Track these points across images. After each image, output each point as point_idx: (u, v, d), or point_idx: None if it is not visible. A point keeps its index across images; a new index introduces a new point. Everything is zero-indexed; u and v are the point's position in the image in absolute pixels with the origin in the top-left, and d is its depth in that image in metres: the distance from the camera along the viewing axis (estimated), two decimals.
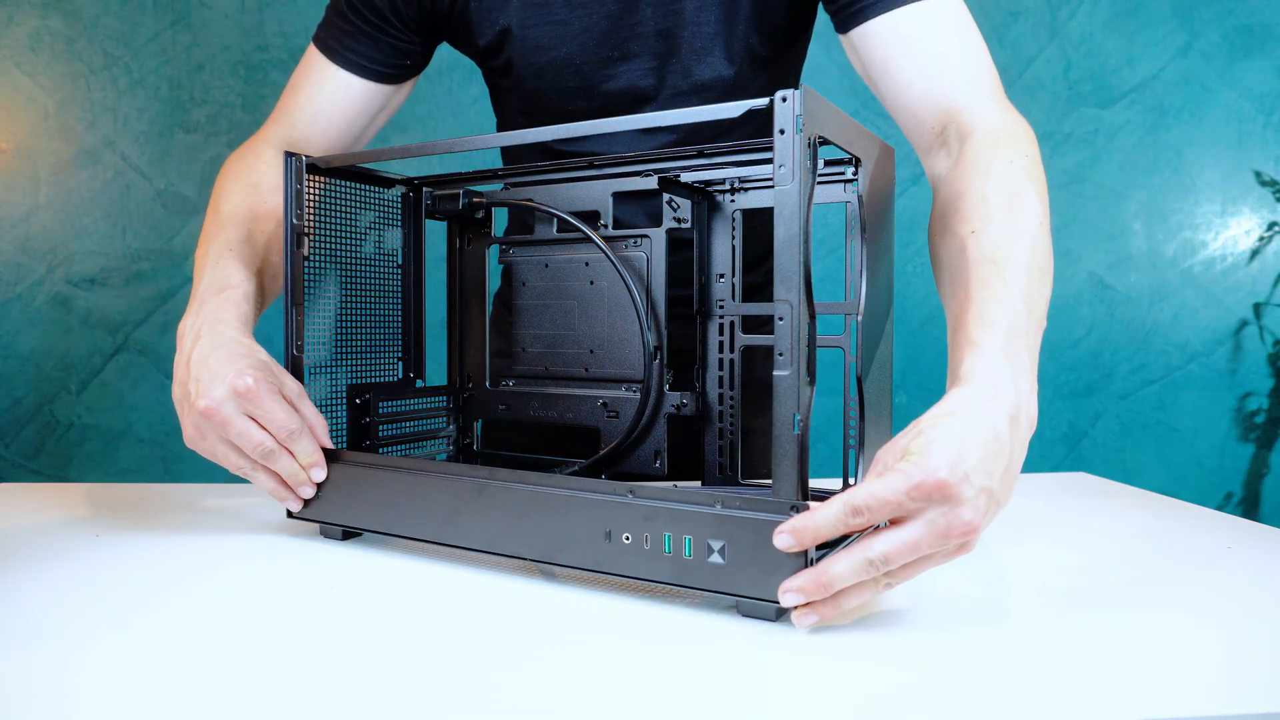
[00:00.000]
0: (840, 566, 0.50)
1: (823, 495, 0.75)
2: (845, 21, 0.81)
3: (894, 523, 0.51)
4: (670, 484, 0.58)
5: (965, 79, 0.76)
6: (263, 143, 0.92)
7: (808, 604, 0.52)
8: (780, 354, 0.53)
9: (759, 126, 0.91)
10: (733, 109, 0.57)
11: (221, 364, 0.70)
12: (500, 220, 1.04)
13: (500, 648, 0.52)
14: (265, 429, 0.70)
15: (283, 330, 0.77)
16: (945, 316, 0.68)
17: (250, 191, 0.87)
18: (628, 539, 0.58)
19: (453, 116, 2.00)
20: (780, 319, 0.53)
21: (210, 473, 2.03)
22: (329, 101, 0.92)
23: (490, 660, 0.50)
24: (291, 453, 0.71)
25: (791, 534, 0.51)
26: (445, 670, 0.49)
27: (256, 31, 2.00)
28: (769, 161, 0.73)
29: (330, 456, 0.73)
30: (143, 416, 2.00)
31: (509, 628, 0.55)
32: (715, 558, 0.55)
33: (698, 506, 0.55)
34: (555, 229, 0.81)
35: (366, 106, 0.93)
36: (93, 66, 1.96)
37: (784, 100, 0.53)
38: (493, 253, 0.88)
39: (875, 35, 0.79)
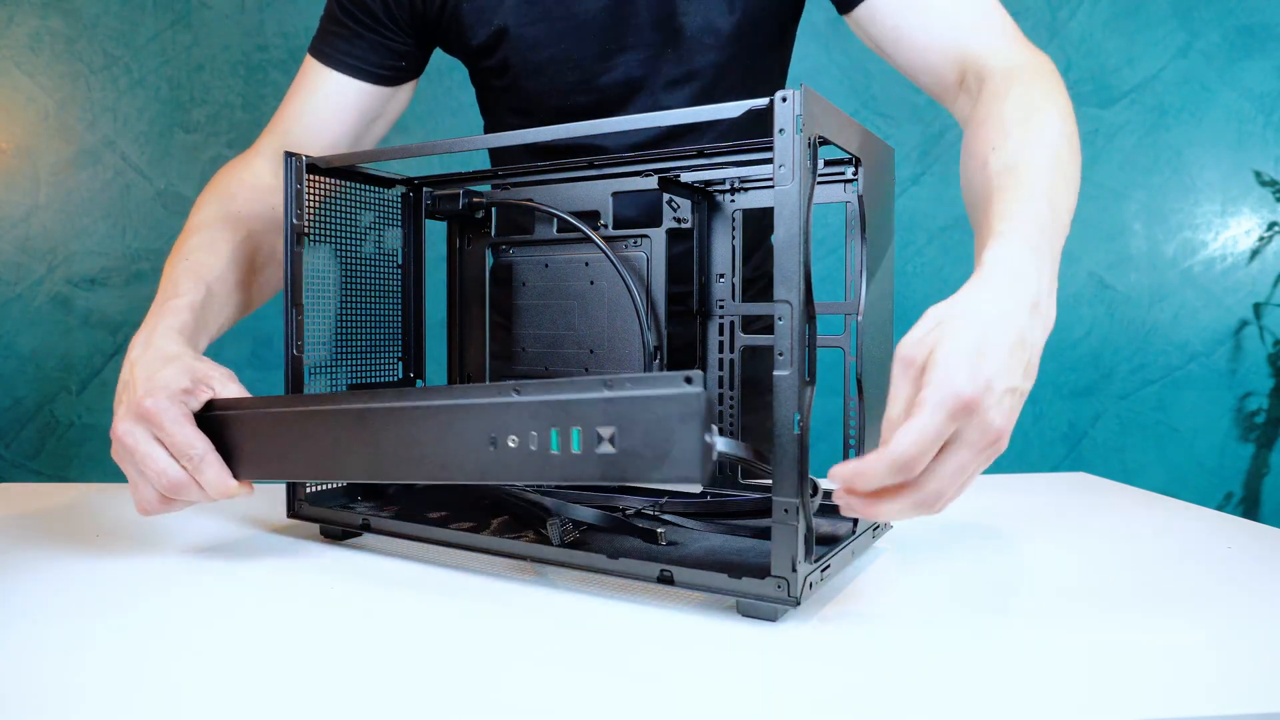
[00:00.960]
0: (894, 508, 0.51)
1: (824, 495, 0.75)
2: (847, 2, 0.84)
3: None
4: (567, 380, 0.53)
5: (978, 27, 0.78)
6: (253, 154, 0.91)
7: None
8: (780, 354, 0.53)
9: (758, 126, 0.91)
10: (732, 109, 0.57)
11: (139, 380, 0.67)
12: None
13: (498, 649, 0.52)
14: (171, 453, 0.66)
15: (283, 330, 0.77)
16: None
17: (224, 200, 0.86)
18: (514, 442, 0.53)
19: (452, 116, 2.00)
20: (780, 319, 0.53)
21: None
22: (323, 106, 0.92)
23: (487, 661, 0.50)
24: (199, 482, 0.66)
25: (845, 480, 0.50)
26: (443, 671, 0.49)
27: (256, 31, 2.00)
28: (769, 161, 0.73)
29: (211, 407, 0.68)
30: None
31: (507, 629, 0.55)
32: (605, 447, 0.50)
33: (585, 393, 0.51)
34: (555, 229, 0.81)
35: (362, 110, 0.93)
36: (93, 66, 1.96)
37: (784, 100, 0.53)
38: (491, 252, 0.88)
39: (881, 6, 0.82)
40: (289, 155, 0.76)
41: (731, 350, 0.77)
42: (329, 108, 0.92)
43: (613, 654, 0.51)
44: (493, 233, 0.87)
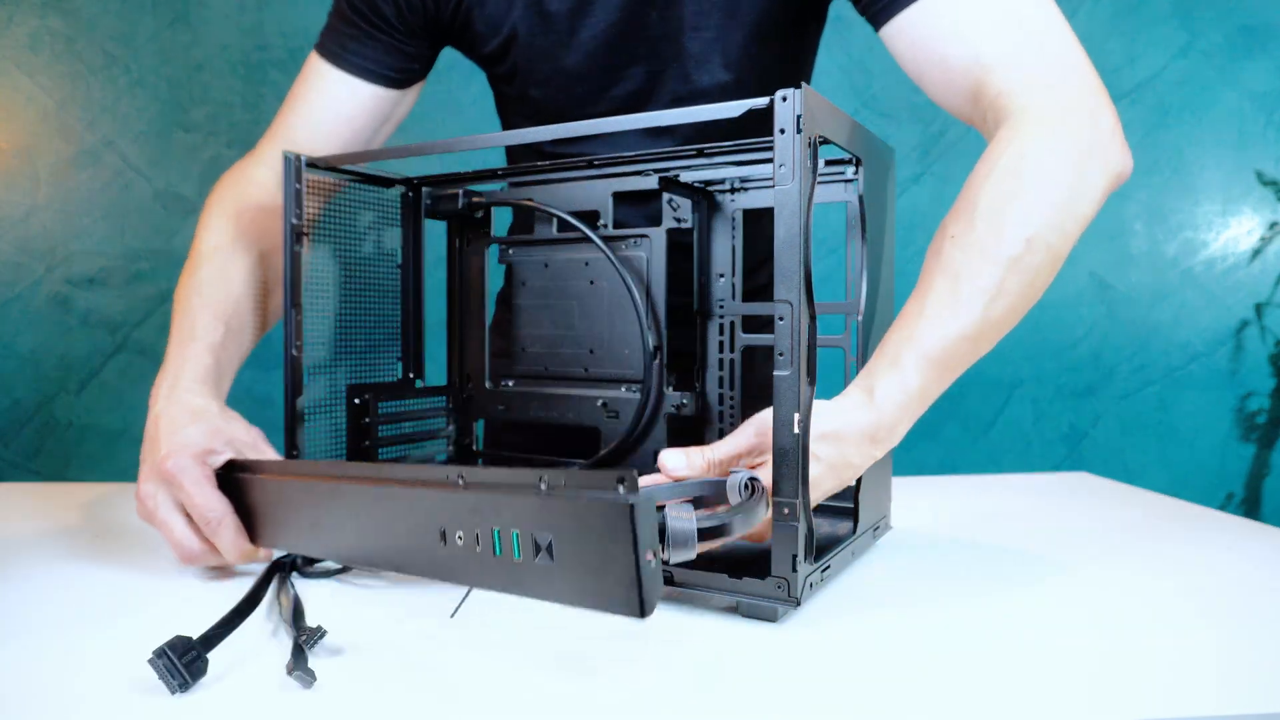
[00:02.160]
0: None
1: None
2: (876, 17, 0.77)
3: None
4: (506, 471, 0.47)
5: (1007, 60, 0.68)
6: (255, 164, 0.89)
7: None
8: (780, 354, 0.53)
9: (760, 126, 0.91)
10: (732, 109, 0.57)
11: (163, 437, 0.67)
12: (504, 219, 1.03)
13: (496, 649, 0.52)
14: (190, 517, 0.65)
15: (282, 330, 0.77)
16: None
17: (231, 220, 0.85)
18: (460, 539, 0.47)
19: (453, 117, 2.00)
20: (780, 319, 0.53)
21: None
22: (333, 109, 0.90)
23: (485, 662, 0.50)
24: (214, 546, 0.65)
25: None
26: (441, 672, 0.49)
27: (256, 31, 1.99)
28: (769, 161, 0.73)
29: (232, 466, 0.67)
30: (142, 416, 1.99)
31: (504, 630, 0.55)
32: (542, 558, 0.43)
33: (519, 492, 0.44)
34: (555, 229, 0.81)
35: (372, 113, 0.91)
36: (92, 66, 1.96)
37: (784, 100, 0.53)
38: (493, 252, 0.88)
39: (909, 23, 0.73)
40: (288, 155, 0.75)
41: (732, 350, 0.76)
42: (337, 110, 0.90)
43: (613, 654, 0.51)
44: (506, 232, 0.87)
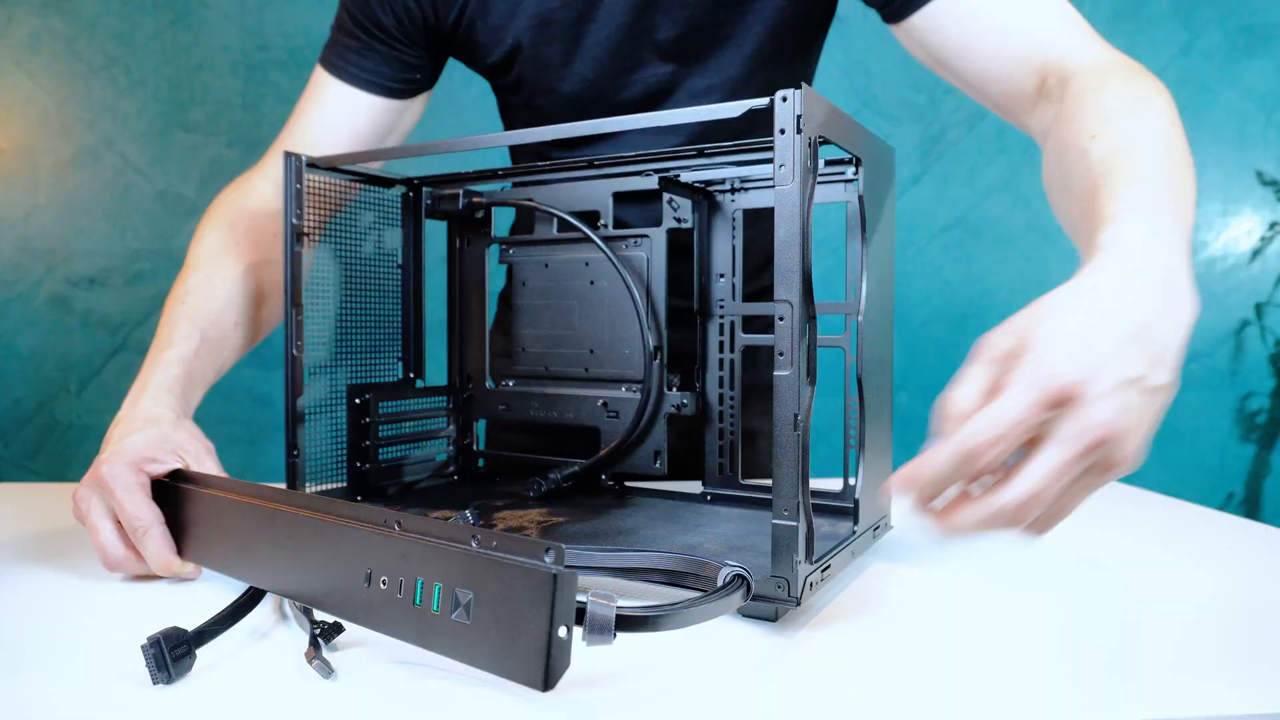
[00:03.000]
0: (971, 518, 0.41)
1: (824, 495, 0.75)
2: (900, 10, 0.77)
3: (1027, 445, 0.41)
4: (451, 517, 0.48)
5: (1056, 29, 0.70)
6: (259, 175, 0.89)
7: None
8: (780, 354, 0.53)
9: (761, 126, 0.91)
10: (732, 109, 0.57)
11: (112, 441, 0.67)
12: (506, 219, 1.03)
13: None
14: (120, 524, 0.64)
15: (282, 330, 0.77)
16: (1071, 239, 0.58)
17: (225, 230, 0.85)
18: (384, 584, 0.47)
19: (453, 117, 2.00)
20: (780, 319, 0.53)
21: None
22: (337, 121, 0.90)
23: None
24: (139, 553, 0.64)
25: (902, 484, 0.42)
26: (438, 673, 0.49)
27: (256, 31, 1.99)
28: (769, 161, 0.73)
29: (178, 477, 0.66)
30: None
31: None
32: (460, 615, 0.43)
33: (452, 543, 0.44)
34: (555, 229, 0.81)
35: (376, 125, 0.91)
36: (93, 66, 1.96)
37: (784, 100, 0.53)
38: (493, 253, 0.88)
39: (944, 14, 0.75)
40: (288, 155, 0.75)
41: (731, 350, 0.76)
42: (340, 122, 0.90)
43: (611, 654, 0.51)
44: (509, 232, 0.87)
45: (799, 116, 0.52)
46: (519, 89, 0.92)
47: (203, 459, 0.68)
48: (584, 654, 0.51)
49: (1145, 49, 2.16)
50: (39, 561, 0.69)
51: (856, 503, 0.66)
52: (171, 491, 0.65)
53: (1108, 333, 0.42)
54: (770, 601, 0.54)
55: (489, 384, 0.88)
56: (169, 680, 0.46)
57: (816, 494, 0.73)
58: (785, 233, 0.53)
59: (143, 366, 0.75)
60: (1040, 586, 0.64)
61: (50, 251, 1.98)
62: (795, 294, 0.53)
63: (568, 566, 0.40)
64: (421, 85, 0.94)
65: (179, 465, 0.67)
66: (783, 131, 0.53)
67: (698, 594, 0.49)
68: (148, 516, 0.63)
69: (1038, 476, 0.40)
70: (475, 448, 0.91)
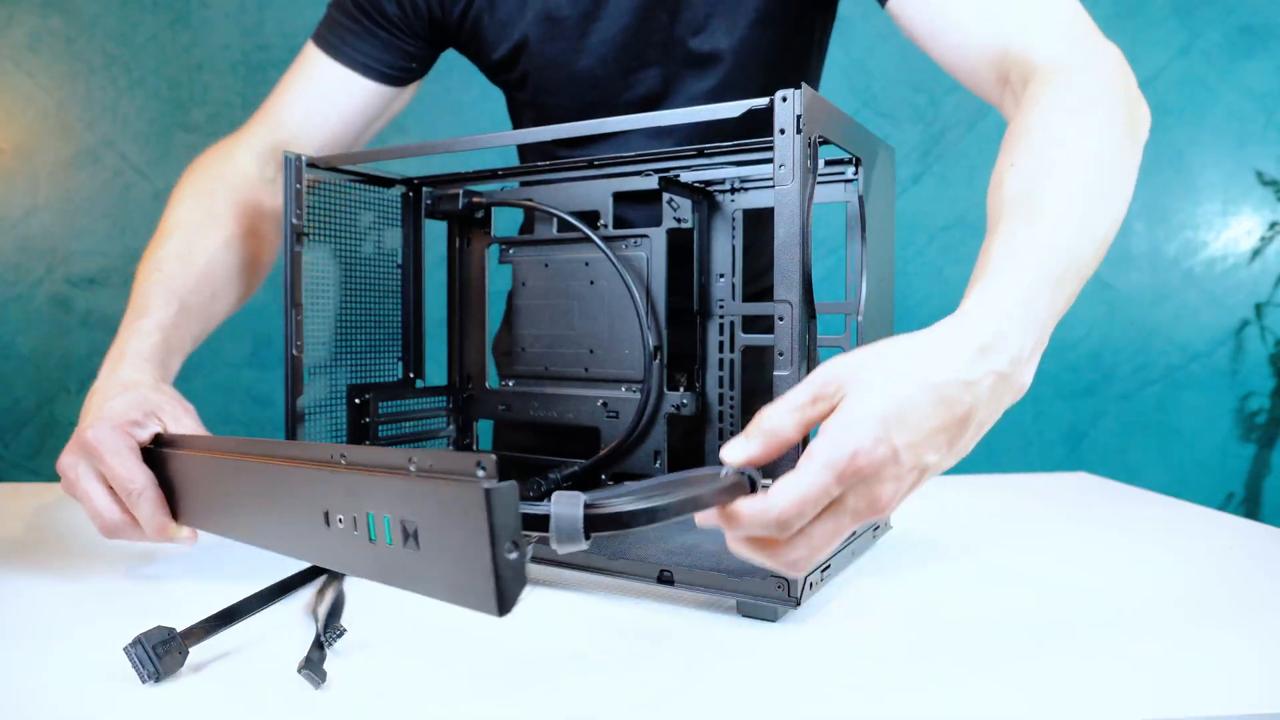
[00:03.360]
0: (754, 557, 0.44)
1: None
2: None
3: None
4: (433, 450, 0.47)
5: (1024, 20, 0.68)
6: (240, 146, 0.88)
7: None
8: (780, 354, 0.53)
9: (765, 127, 0.92)
10: (732, 109, 0.57)
11: (92, 409, 0.66)
12: (513, 219, 1.03)
13: (496, 650, 0.52)
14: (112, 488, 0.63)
15: (282, 330, 0.77)
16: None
17: (202, 199, 0.83)
18: (340, 522, 0.45)
19: (453, 116, 2.00)
20: (780, 319, 0.53)
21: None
22: (327, 101, 0.89)
23: (485, 662, 0.50)
24: (135, 518, 0.63)
25: (722, 519, 0.42)
26: (439, 674, 0.49)
27: (256, 31, 1.99)
28: (769, 161, 0.73)
29: (160, 442, 0.64)
30: None
31: (504, 630, 0.55)
32: (410, 545, 0.41)
33: (391, 474, 0.42)
34: (555, 229, 0.81)
35: (366, 109, 0.91)
36: (92, 66, 1.96)
37: (784, 100, 0.53)
38: (493, 253, 0.88)
39: (901, 11, 0.74)
40: (288, 155, 0.75)
41: (731, 350, 0.77)
42: (331, 103, 0.89)
43: (612, 654, 0.51)
44: (517, 232, 0.87)
45: (799, 116, 0.53)
46: (524, 86, 0.92)
47: (182, 419, 0.67)
48: (585, 653, 0.51)
49: (1145, 49, 2.16)
50: (39, 561, 0.69)
51: None
52: (156, 457, 0.63)
53: (924, 419, 0.43)
54: (770, 602, 0.54)
55: (493, 384, 0.89)
56: (156, 678, 0.46)
57: None
58: (785, 233, 0.53)
59: (118, 335, 0.73)
60: (1040, 586, 0.64)
61: (50, 251, 1.98)
62: (795, 294, 0.53)
63: (504, 478, 0.37)
64: (416, 74, 0.94)
65: (159, 429, 0.65)
66: (783, 131, 0.53)
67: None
68: (140, 478, 0.62)
69: (820, 538, 0.43)
70: (475, 448, 0.91)
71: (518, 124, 1.00)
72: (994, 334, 0.46)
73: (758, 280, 0.96)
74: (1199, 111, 2.18)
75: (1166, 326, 2.20)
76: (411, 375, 0.87)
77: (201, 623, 0.50)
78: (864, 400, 0.43)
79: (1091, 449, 2.21)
